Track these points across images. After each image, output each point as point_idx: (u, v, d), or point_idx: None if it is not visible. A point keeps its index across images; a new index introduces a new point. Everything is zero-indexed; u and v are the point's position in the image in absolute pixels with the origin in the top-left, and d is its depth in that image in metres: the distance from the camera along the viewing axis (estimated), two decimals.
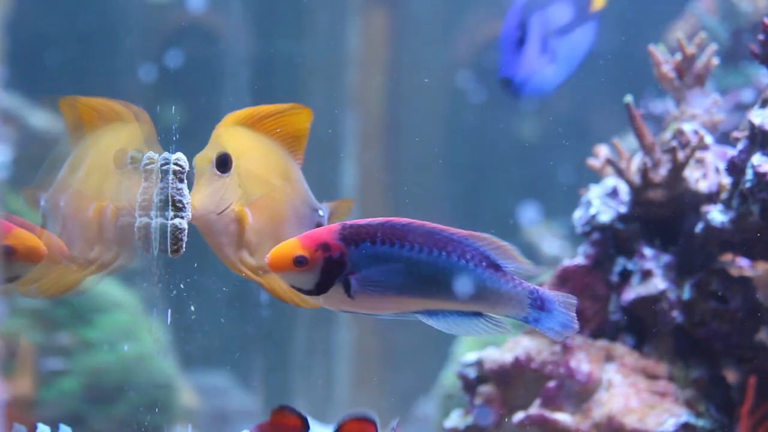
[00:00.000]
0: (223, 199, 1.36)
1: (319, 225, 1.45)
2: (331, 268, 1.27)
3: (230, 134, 1.39)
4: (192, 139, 1.41)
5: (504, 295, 1.31)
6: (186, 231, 1.31)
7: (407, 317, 1.33)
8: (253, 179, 1.38)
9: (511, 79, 1.94)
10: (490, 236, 1.31)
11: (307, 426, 1.29)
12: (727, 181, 1.92)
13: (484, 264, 1.31)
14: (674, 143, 2.05)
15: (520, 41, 1.92)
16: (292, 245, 1.27)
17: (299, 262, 1.26)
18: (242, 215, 1.36)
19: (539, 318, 1.32)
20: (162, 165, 1.31)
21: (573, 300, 1.34)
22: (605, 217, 2.13)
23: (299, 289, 1.29)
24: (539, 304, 1.32)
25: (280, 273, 1.27)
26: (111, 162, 1.35)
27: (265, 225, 1.37)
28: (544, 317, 1.33)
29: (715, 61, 2.16)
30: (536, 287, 1.33)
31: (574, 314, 1.34)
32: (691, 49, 2.15)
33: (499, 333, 1.34)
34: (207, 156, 1.37)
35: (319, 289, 1.28)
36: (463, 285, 1.30)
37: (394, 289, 1.30)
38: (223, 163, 1.36)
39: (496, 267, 1.31)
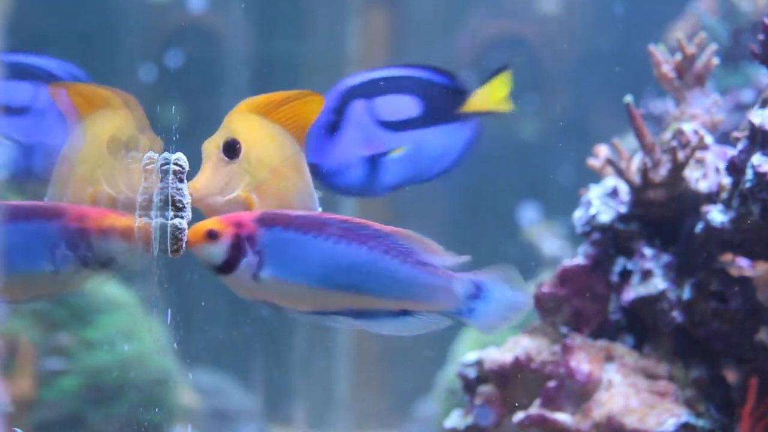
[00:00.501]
0: (229, 185, 1.35)
1: None
2: (239, 246, 1.27)
3: (242, 121, 1.39)
4: (192, 139, 1.41)
5: (433, 289, 1.27)
6: (186, 231, 1.31)
7: (334, 321, 1.30)
8: (263, 167, 1.38)
9: (316, 166, 1.68)
10: (414, 233, 1.28)
11: None
12: (727, 181, 1.92)
13: (410, 260, 1.27)
14: (674, 143, 2.05)
15: (334, 126, 1.67)
16: (208, 221, 1.28)
17: (210, 235, 1.26)
18: (249, 201, 1.36)
19: (473, 308, 1.28)
20: (162, 165, 1.31)
21: (513, 272, 1.29)
22: (605, 217, 2.13)
23: (211, 268, 1.28)
24: (474, 293, 1.28)
25: (194, 247, 1.27)
26: (103, 148, 1.35)
27: None
28: (481, 306, 1.28)
29: (715, 61, 2.16)
30: (470, 276, 1.28)
31: (522, 287, 1.29)
32: (691, 49, 2.15)
33: (431, 328, 1.30)
34: (215, 141, 1.37)
35: (227, 266, 1.27)
36: (387, 281, 1.27)
37: (306, 278, 1.27)
38: (231, 149, 1.36)
39: (424, 263, 1.27)
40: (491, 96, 1.78)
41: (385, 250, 1.27)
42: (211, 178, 1.35)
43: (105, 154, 1.34)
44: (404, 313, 1.29)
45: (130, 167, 1.34)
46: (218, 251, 1.27)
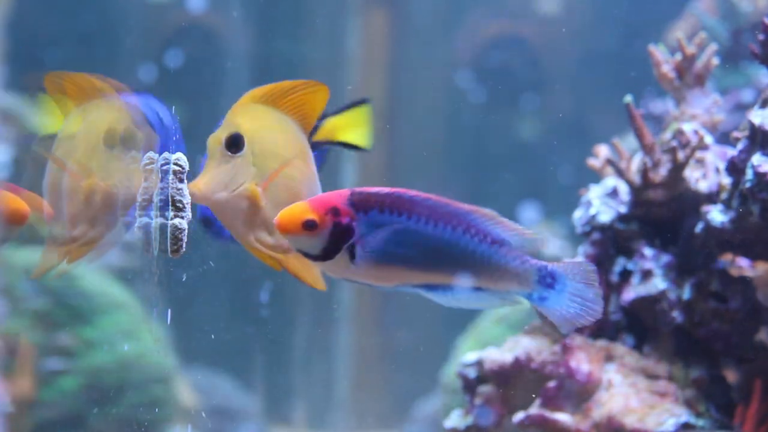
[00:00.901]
0: (234, 179, 1.33)
1: None
2: (340, 234, 1.25)
3: (245, 113, 1.37)
4: (192, 139, 1.41)
5: (508, 270, 1.28)
6: (186, 231, 1.31)
7: (408, 290, 1.31)
8: (269, 157, 1.36)
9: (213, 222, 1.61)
10: (493, 212, 1.29)
11: None
12: (727, 181, 1.92)
13: (488, 239, 1.28)
14: (674, 143, 2.05)
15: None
16: (301, 208, 1.26)
17: (309, 226, 1.25)
18: (255, 194, 1.34)
19: (547, 297, 1.29)
20: (162, 165, 1.31)
21: (590, 269, 1.29)
22: (605, 217, 2.13)
23: (305, 254, 1.27)
24: (548, 282, 1.29)
25: (288, 236, 1.26)
26: (98, 139, 1.33)
27: (283, 203, 1.32)
28: (553, 296, 1.29)
29: (715, 61, 2.16)
30: (546, 264, 1.29)
31: (597, 290, 1.29)
32: (691, 49, 2.15)
33: (504, 305, 1.32)
34: (218, 137, 1.35)
35: (326, 254, 1.26)
36: (466, 260, 1.28)
37: (398, 260, 1.28)
38: (233, 144, 1.34)
39: (500, 242, 1.28)
40: (343, 127, 1.72)
41: (465, 229, 1.28)
42: (213, 175, 1.33)
43: (99, 146, 1.32)
44: (477, 289, 1.30)
45: (125, 160, 1.33)
46: (317, 243, 1.26)
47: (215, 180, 1.33)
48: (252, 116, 1.37)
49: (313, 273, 1.40)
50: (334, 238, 1.25)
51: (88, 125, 1.35)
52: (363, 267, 1.27)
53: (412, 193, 1.29)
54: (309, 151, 1.42)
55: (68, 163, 1.33)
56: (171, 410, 3.38)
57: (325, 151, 1.72)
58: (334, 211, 1.26)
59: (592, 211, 2.15)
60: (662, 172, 2.04)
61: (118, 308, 3.32)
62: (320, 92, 1.41)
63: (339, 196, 1.27)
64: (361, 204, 1.26)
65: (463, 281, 1.29)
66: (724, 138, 2.17)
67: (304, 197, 1.36)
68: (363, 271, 1.28)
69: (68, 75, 1.37)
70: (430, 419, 3.78)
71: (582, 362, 1.99)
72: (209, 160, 1.35)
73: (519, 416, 1.98)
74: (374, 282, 1.31)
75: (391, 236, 1.27)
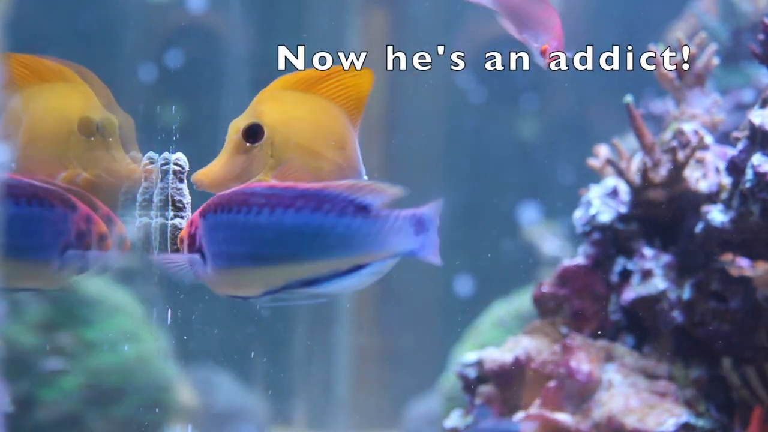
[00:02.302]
0: (248, 171, 1.27)
1: None
2: (191, 244, 1.19)
3: (271, 101, 1.31)
4: (192, 139, 1.40)
5: (385, 234, 1.16)
6: None
7: (289, 300, 1.21)
8: (292, 149, 1.28)
9: None
10: (351, 181, 1.19)
11: None
12: (727, 181, 1.92)
13: (349, 210, 1.15)
14: (674, 143, 2.05)
15: None
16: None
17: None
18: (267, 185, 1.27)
19: (424, 243, 1.17)
20: (162, 165, 1.31)
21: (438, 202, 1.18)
22: (605, 217, 2.13)
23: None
24: (422, 228, 1.18)
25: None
26: (70, 125, 1.26)
27: None
28: (428, 240, 1.18)
29: (715, 61, 2.16)
30: (415, 211, 1.17)
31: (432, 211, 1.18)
32: (691, 49, 2.15)
33: (382, 273, 1.19)
34: (237, 125, 1.29)
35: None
36: (327, 239, 1.15)
37: (247, 259, 1.17)
38: (251, 134, 1.27)
39: (366, 207, 1.15)
40: None
41: (316, 206, 1.15)
42: (225, 164, 1.28)
43: (74, 134, 1.26)
44: (357, 267, 1.18)
45: (105, 148, 1.28)
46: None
47: (226, 170, 1.27)
48: (278, 104, 1.31)
49: None
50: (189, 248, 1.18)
51: (53, 108, 1.28)
52: (217, 275, 1.18)
53: (263, 185, 1.19)
54: (351, 141, 1.33)
55: (35, 150, 1.27)
56: (171, 410, 3.38)
57: None
58: (190, 223, 1.20)
59: (592, 211, 2.15)
60: (662, 172, 2.04)
61: (119, 311, 3.32)
62: (365, 76, 1.32)
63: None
64: (205, 209, 1.19)
65: (342, 263, 1.17)
66: (724, 138, 2.17)
67: None
68: (219, 280, 1.19)
69: (16, 56, 1.29)
70: (429, 419, 3.78)
71: (582, 362, 1.99)
72: (225, 147, 1.29)
73: (519, 416, 1.98)
74: (240, 291, 1.21)
75: (227, 235, 1.17)
